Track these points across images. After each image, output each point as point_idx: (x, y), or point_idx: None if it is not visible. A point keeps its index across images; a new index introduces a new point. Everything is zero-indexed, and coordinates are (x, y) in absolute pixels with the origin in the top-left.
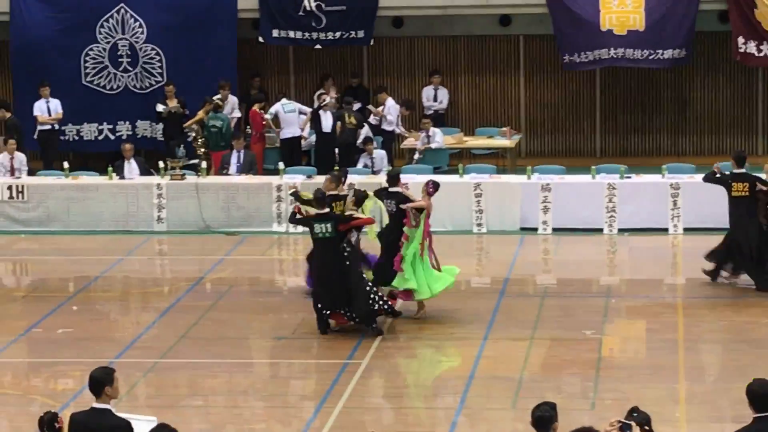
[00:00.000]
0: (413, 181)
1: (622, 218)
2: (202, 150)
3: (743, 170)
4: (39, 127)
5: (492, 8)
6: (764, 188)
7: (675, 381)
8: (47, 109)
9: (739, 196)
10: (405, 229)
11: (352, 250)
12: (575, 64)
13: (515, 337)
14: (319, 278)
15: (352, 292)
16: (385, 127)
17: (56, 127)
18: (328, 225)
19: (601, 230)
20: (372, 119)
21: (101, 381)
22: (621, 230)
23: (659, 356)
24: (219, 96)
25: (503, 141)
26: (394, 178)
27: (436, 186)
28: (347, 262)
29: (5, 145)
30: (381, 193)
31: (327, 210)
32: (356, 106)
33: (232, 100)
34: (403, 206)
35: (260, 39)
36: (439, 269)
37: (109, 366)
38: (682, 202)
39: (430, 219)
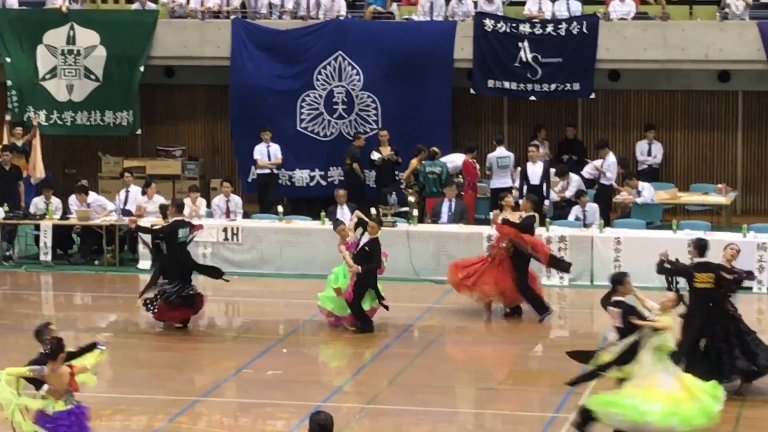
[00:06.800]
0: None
1: None
2: (412, 198)
3: (705, 259)
4: (258, 171)
5: (711, 63)
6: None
7: None
8: (267, 153)
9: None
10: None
11: None
12: None
13: None
14: None
15: None
16: (604, 181)
17: (274, 171)
18: None
19: None
20: (587, 172)
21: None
22: None
23: None
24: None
25: (718, 198)
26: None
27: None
28: None
29: (221, 187)
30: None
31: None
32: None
33: None
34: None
35: (472, 90)
36: None
37: (326, 412)
38: None
39: None
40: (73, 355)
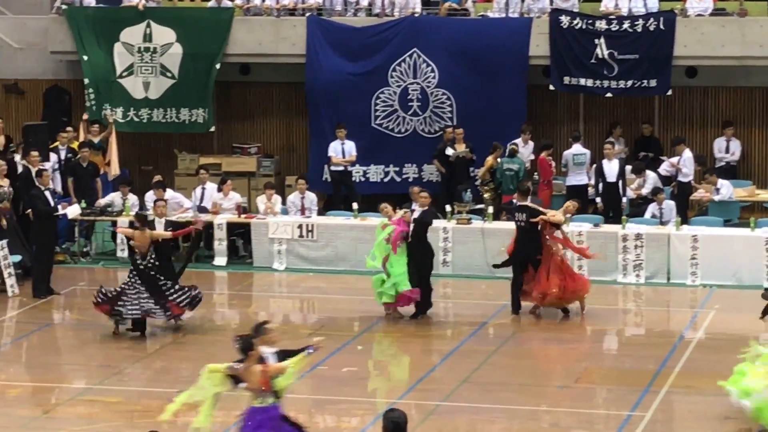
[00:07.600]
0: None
1: None
2: (488, 195)
3: None
4: (332, 168)
5: None
6: None
7: None
8: (342, 150)
9: None
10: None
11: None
12: None
13: None
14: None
15: None
16: (681, 178)
17: (348, 168)
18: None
19: None
20: (663, 170)
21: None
22: None
23: None
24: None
25: None
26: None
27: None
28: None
29: (296, 184)
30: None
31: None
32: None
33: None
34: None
35: (551, 87)
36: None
37: (400, 409)
38: None
39: None
40: (287, 355)
